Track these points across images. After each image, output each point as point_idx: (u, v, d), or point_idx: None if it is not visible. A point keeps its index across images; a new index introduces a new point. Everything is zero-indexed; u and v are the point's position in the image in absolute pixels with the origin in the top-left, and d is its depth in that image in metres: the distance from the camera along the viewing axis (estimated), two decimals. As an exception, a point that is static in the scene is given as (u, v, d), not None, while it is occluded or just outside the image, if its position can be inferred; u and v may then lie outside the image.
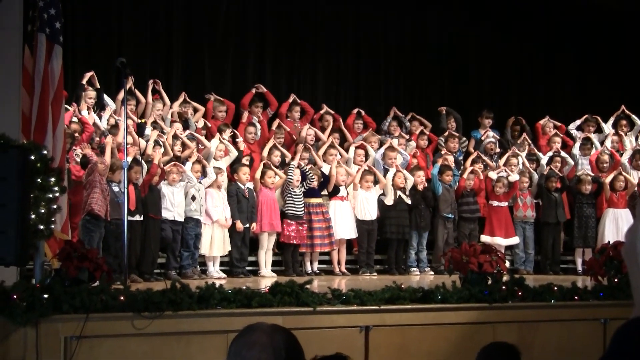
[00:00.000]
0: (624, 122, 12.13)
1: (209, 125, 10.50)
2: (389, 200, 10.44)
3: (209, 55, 11.47)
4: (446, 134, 11.62)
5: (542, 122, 12.13)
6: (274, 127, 10.75)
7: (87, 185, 8.36)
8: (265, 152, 10.25)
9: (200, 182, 9.44)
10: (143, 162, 8.87)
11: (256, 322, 2.22)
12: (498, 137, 11.84)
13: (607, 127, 12.07)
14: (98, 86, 9.76)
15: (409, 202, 10.48)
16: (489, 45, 13.01)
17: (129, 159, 8.14)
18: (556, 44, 13.34)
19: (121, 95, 9.36)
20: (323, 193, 10.28)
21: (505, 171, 11.01)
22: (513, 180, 10.87)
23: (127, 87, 7.67)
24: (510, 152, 11.33)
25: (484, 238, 10.55)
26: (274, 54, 11.95)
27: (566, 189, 11.14)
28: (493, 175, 10.93)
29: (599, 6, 13.08)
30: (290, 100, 11.22)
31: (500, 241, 10.49)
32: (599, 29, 13.23)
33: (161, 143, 9.44)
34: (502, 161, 11.24)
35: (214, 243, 9.48)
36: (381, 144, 11.09)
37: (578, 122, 12.19)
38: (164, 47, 11.28)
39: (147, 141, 9.33)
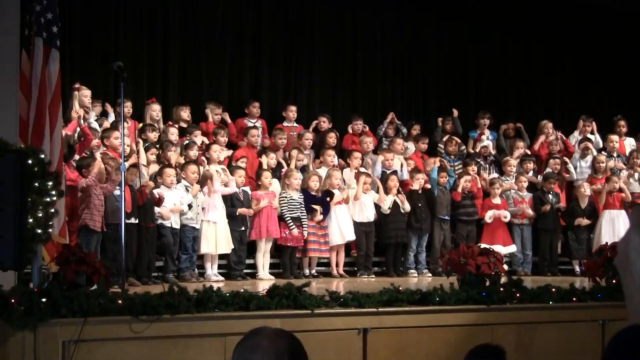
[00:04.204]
0: (622, 122, 12.11)
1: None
2: (386, 210, 10.43)
3: (206, 60, 11.46)
4: (446, 137, 11.62)
5: (542, 123, 12.07)
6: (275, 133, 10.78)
7: (82, 200, 8.32)
8: (264, 161, 10.25)
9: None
10: (142, 168, 8.87)
11: (261, 326, 2.24)
12: (493, 139, 11.86)
13: (599, 138, 12.07)
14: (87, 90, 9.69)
15: (403, 210, 10.46)
16: (487, 47, 13.01)
17: (126, 164, 8.11)
18: (555, 45, 13.37)
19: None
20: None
21: (515, 189, 11.01)
22: (521, 210, 10.85)
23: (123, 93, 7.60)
24: (510, 159, 11.34)
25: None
26: (270, 59, 11.93)
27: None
28: (498, 191, 10.88)
29: (598, 6, 13.09)
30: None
31: (499, 249, 10.42)
32: (599, 29, 13.24)
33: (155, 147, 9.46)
34: (511, 175, 11.17)
35: (218, 240, 9.40)
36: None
37: (576, 133, 12.17)
38: (160, 51, 11.27)
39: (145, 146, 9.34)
